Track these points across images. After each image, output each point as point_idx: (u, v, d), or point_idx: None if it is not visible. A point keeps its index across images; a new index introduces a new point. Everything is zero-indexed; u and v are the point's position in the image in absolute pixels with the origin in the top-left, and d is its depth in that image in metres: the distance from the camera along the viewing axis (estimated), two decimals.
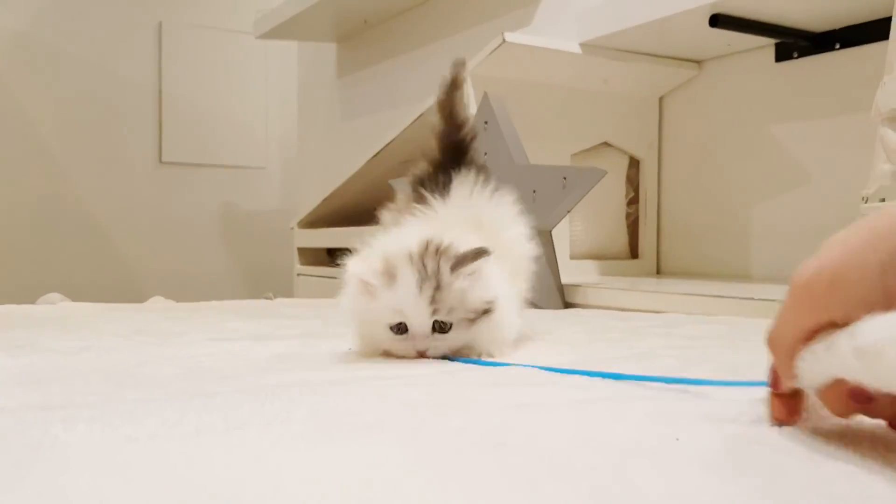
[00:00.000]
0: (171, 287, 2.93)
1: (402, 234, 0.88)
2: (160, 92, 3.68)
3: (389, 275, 0.80)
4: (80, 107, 3.51)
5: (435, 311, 0.80)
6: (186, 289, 3.12)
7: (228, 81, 3.83)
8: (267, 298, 1.75)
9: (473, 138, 1.05)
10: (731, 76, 1.92)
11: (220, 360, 0.80)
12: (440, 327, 0.81)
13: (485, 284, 0.83)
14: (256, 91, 3.90)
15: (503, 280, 0.87)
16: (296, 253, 2.80)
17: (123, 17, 3.60)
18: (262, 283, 3.30)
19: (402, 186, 1.90)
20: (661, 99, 2.07)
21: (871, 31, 1.58)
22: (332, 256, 2.66)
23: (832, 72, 1.71)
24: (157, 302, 1.61)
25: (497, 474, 0.42)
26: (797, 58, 1.77)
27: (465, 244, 0.83)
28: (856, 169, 1.32)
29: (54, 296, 1.58)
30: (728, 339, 1.02)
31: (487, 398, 0.63)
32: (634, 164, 2.08)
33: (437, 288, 0.80)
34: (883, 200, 1.24)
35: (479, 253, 0.81)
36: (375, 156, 2.17)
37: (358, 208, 2.52)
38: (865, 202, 1.27)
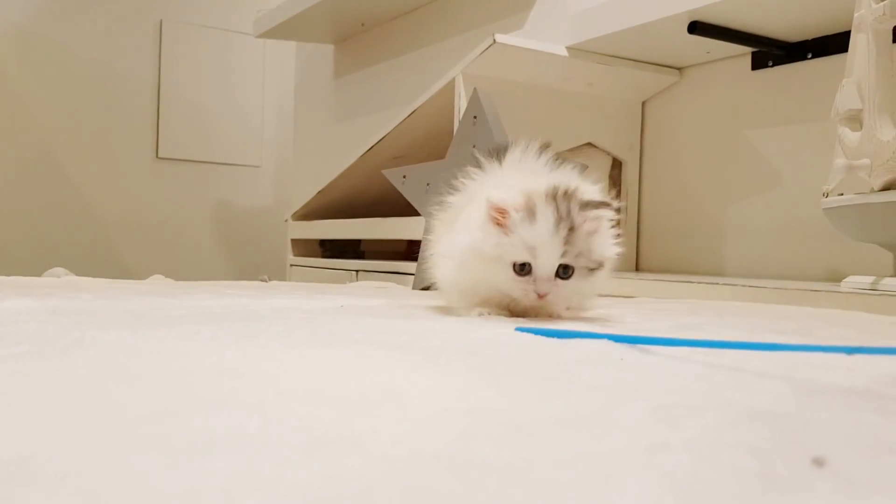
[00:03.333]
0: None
1: (513, 179, 0.86)
2: (159, 88, 3.76)
3: (529, 210, 0.79)
4: (79, 101, 3.58)
5: (564, 254, 0.79)
6: (181, 280, 3.19)
7: (226, 80, 3.91)
8: (262, 280, 1.83)
9: None
10: (709, 83, 2.01)
11: (227, 308, 0.88)
12: (563, 271, 0.80)
13: (607, 236, 0.83)
14: (253, 90, 3.99)
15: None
16: (289, 244, 2.87)
17: (125, 14, 3.68)
18: (256, 276, 3.37)
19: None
20: (643, 103, 2.16)
21: (841, 42, 1.67)
22: (324, 247, 2.75)
23: (804, 80, 1.80)
24: (158, 279, 1.69)
25: (464, 368, 0.50)
26: (772, 66, 1.86)
27: (589, 192, 0.83)
28: (823, 171, 1.40)
29: (59, 270, 1.66)
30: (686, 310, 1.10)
31: (461, 329, 0.71)
32: (617, 164, 2.17)
33: (571, 229, 0.79)
34: (841, 195, 1.33)
35: (604, 203, 0.82)
36: (368, 151, 2.25)
37: (350, 202, 2.61)
38: (826, 196, 1.36)
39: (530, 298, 0.80)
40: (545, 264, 0.79)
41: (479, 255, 0.81)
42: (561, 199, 0.79)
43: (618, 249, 0.85)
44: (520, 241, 0.79)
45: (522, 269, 0.79)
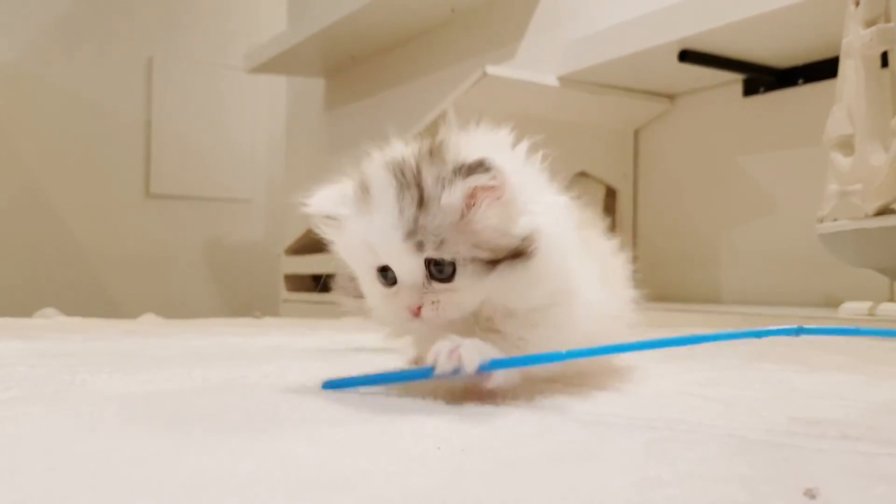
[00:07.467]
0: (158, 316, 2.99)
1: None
2: (149, 125, 3.76)
3: (364, 193, 0.56)
4: (70, 138, 3.58)
5: (420, 246, 0.53)
6: (173, 318, 3.17)
7: (217, 115, 3.91)
8: (255, 317, 1.82)
9: None
10: (701, 110, 2.02)
11: (218, 348, 0.88)
12: (437, 271, 0.53)
13: (514, 208, 0.55)
14: (244, 125, 3.99)
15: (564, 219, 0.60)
16: (282, 280, 2.86)
17: (115, 52, 3.69)
18: (248, 313, 3.36)
19: None
20: (636, 131, 2.17)
21: (833, 68, 1.68)
22: (318, 282, 2.74)
23: (797, 105, 1.80)
24: (149, 318, 1.68)
25: (456, 403, 0.50)
26: (764, 92, 1.86)
27: (479, 149, 0.56)
28: (817, 196, 1.40)
29: (49, 310, 1.65)
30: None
31: None
32: (611, 193, 2.17)
33: (421, 204, 0.53)
34: (836, 220, 1.33)
35: (481, 163, 0.53)
36: None
37: None
38: (821, 222, 1.36)
39: (405, 318, 0.54)
40: (399, 265, 0.54)
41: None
42: (409, 165, 0.55)
43: (553, 224, 0.58)
44: (358, 239, 0.56)
45: (386, 276, 0.55)
